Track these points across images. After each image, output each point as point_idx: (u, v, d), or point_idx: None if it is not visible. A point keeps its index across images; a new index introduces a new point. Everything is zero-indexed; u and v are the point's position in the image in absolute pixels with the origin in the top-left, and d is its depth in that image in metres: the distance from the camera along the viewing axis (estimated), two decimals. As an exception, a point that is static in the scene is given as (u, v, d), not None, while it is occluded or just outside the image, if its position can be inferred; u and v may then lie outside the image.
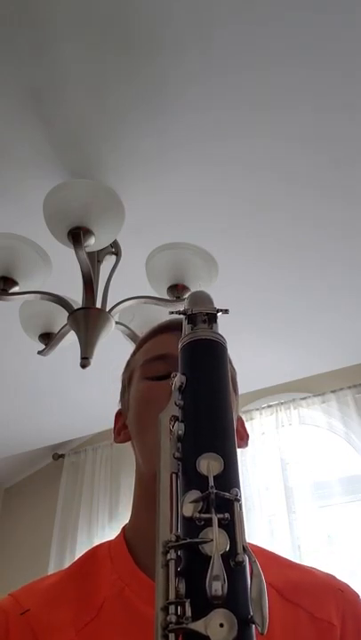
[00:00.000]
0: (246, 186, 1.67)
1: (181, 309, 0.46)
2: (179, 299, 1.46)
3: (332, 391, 2.57)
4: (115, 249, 1.64)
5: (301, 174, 1.63)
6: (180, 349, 0.44)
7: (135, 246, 1.65)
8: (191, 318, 0.44)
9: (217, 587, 0.29)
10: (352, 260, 1.98)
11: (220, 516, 0.32)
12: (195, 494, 0.34)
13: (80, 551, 2.63)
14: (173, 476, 0.36)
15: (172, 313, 0.49)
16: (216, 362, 0.42)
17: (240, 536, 0.32)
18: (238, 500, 0.34)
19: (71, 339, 1.48)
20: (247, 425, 0.76)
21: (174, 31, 1.27)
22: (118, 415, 0.71)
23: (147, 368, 0.65)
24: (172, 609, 0.30)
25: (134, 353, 0.72)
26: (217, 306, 0.45)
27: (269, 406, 2.66)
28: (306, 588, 0.57)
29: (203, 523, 0.32)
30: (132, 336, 1.53)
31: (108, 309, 1.44)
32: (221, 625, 0.28)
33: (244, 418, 0.75)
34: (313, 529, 2.28)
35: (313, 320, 2.28)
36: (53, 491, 3.07)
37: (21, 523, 3.22)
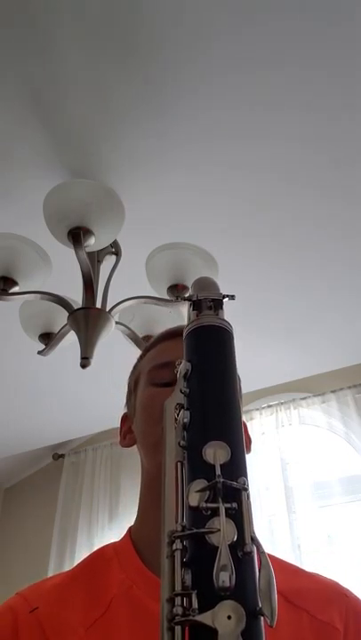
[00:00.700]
0: (246, 186, 1.67)
1: (188, 295, 0.44)
2: (179, 299, 1.46)
3: (332, 391, 2.57)
4: (115, 249, 1.64)
5: (301, 174, 1.63)
6: (185, 336, 0.42)
7: (135, 246, 1.65)
8: (196, 304, 0.43)
9: (224, 578, 0.28)
10: (352, 260, 1.98)
11: (228, 505, 0.31)
12: (201, 483, 0.33)
13: (80, 551, 2.64)
14: (178, 464, 0.35)
15: (178, 298, 0.48)
16: (222, 348, 0.41)
17: (248, 526, 0.31)
18: (246, 490, 0.33)
19: (71, 339, 1.48)
20: (247, 425, 0.76)
21: (174, 31, 1.27)
22: (124, 418, 0.72)
23: (153, 374, 0.66)
24: (178, 601, 0.29)
25: (141, 357, 0.72)
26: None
27: (269, 406, 2.66)
28: (310, 593, 0.57)
29: (209, 512, 0.31)
30: (132, 336, 1.53)
31: (108, 309, 1.44)
32: (229, 617, 0.28)
33: (244, 418, 0.75)
34: (313, 529, 2.28)
35: (313, 320, 2.28)
36: (53, 491, 3.07)
37: (21, 523, 3.22)
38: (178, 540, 0.31)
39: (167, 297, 1.48)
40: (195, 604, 0.29)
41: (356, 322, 2.31)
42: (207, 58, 1.33)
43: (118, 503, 2.78)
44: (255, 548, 0.31)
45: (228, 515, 0.31)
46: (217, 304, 0.43)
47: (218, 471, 0.32)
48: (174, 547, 0.31)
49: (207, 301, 0.43)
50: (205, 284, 0.45)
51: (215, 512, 0.31)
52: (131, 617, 0.52)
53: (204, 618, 0.28)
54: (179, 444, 0.36)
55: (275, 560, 0.63)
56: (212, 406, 0.37)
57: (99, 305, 1.44)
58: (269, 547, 0.66)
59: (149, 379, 0.66)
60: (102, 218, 1.39)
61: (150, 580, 0.55)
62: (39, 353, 1.57)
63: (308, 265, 1.98)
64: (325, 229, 1.83)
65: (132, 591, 0.54)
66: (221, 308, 0.43)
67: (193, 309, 0.43)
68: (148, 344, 0.73)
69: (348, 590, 0.61)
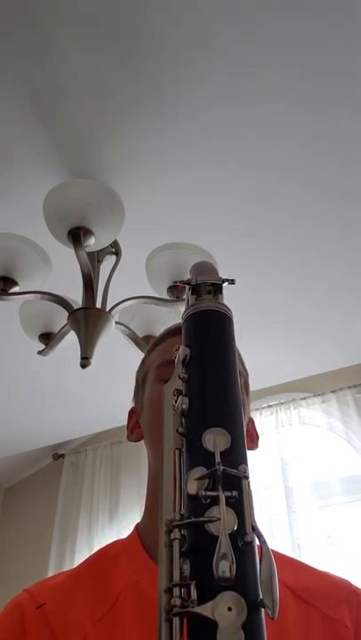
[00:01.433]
0: (246, 186, 1.67)
1: (186, 279, 0.43)
2: (179, 299, 1.46)
3: (332, 391, 2.57)
4: (115, 249, 1.64)
5: (301, 174, 1.63)
6: (184, 320, 0.41)
7: (135, 246, 1.65)
8: (195, 289, 0.42)
9: (225, 568, 0.27)
10: (352, 260, 1.97)
11: (228, 493, 0.30)
12: (200, 471, 0.32)
13: (80, 551, 2.64)
14: (177, 452, 0.35)
15: (177, 282, 0.47)
16: (221, 333, 0.39)
17: (249, 515, 0.30)
18: (247, 477, 0.32)
19: (71, 339, 1.48)
20: (254, 421, 0.76)
21: (174, 31, 1.27)
22: (132, 413, 0.72)
23: (162, 370, 0.66)
24: (176, 591, 0.28)
25: (149, 352, 0.72)
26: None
27: (269, 406, 2.66)
28: (320, 590, 0.57)
29: (209, 501, 0.30)
30: (132, 336, 1.53)
31: (108, 309, 1.44)
32: (230, 609, 0.27)
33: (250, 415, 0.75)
34: (313, 529, 2.28)
35: (313, 320, 2.28)
36: (53, 491, 3.07)
37: (21, 523, 3.22)
38: (176, 530, 0.30)
39: (167, 297, 1.48)
40: (194, 595, 0.28)
41: (356, 322, 2.31)
42: (207, 58, 1.32)
43: (118, 503, 2.78)
44: (256, 537, 0.30)
45: (228, 503, 0.30)
46: (216, 288, 0.41)
47: (218, 458, 0.31)
48: (172, 536, 0.30)
49: (206, 285, 0.41)
50: (204, 268, 0.44)
51: (215, 500, 0.30)
52: (138, 611, 0.52)
53: (204, 609, 0.27)
54: (177, 430, 0.35)
55: (284, 557, 0.63)
56: (212, 392, 0.36)
57: (99, 305, 1.44)
58: (269, 547, 0.65)
59: (158, 375, 0.66)
60: (102, 218, 1.39)
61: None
62: (39, 353, 1.57)
63: (308, 265, 1.98)
64: (325, 229, 1.83)
65: (140, 586, 0.54)
66: (221, 292, 0.41)
67: (192, 294, 0.42)
68: (156, 338, 0.72)
69: (358, 589, 0.61)
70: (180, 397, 0.36)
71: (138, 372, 0.72)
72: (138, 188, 1.64)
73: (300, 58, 1.33)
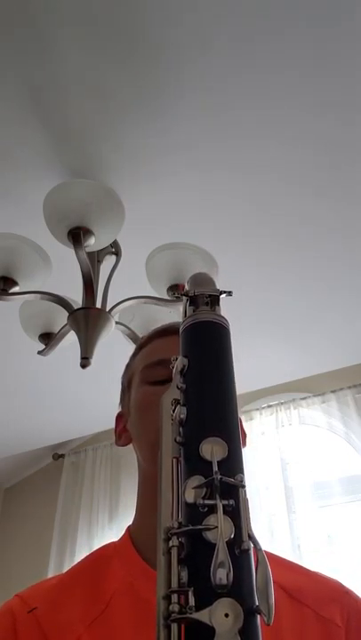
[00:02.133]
0: (246, 186, 1.67)
1: (184, 291, 0.44)
2: (179, 299, 1.46)
3: (332, 391, 2.57)
4: (115, 249, 1.64)
5: (301, 174, 1.63)
6: (182, 331, 0.42)
7: (135, 246, 1.65)
8: (193, 300, 0.42)
9: (222, 575, 0.28)
10: (352, 260, 1.98)
11: (225, 502, 0.31)
12: (197, 480, 0.32)
13: (80, 551, 2.64)
14: (174, 461, 0.35)
15: (175, 295, 0.47)
16: (219, 344, 0.40)
17: (245, 523, 0.31)
18: (243, 487, 0.32)
19: (71, 339, 1.48)
20: (247, 425, 0.76)
21: (175, 32, 1.27)
22: (119, 417, 0.72)
23: (147, 373, 0.65)
24: (174, 598, 0.29)
25: (134, 355, 0.72)
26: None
27: (269, 406, 2.66)
28: (312, 590, 0.58)
29: (206, 509, 0.31)
30: (132, 336, 1.53)
31: (108, 309, 1.44)
32: (227, 615, 0.27)
33: (243, 418, 0.75)
34: (313, 529, 2.28)
35: (313, 320, 2.28)
36: (53, 491, 3.07)
37: (21, 523, 3.22)
38: (174, 537, 0.31)
39: (167, 297, 1.48)
40: (191, 602, 0.28)
41: (356, 322, 2.31)
42: (207, 58, 1.33)
43: (118, 503, 2.78)
44: (252, 545, 0.31)
45: (225, 511, 0.30)
46: (214, 300, 0.42)
47: (215, 467, 0.32)
48: (171, 543, 0.31)
49: (204, 297, 0.42)
50: (202, 279, 0.45)
51: (212, 509, 0.31)
52: (132, 612, 0.51)
53: (202, 615, 0.27)
54: (175, 440, 0.36)
55: (277, 558, 0.63)
56: (209, 402, 0.37)
57: (99, 305, 1.44)
58: (269, 547, 0.65)
59: (143, 377, 0.66)
60: (102, 218, 1.39)
61: (151, 576, 0.54)
62: (39, 353, 1.57)
63: (308, 265, 1.98)
64: (325, 229, 1.83)
65: (133, 587, 0.54)
66: (218, 304, 0.42)
67: (189, 305, 0.43)
68: (140, 342, 0.72)
69: (349, 589, 0.61)
70: (178, 407, 0.37)
71: (123, 377, 0.72)
72: (138, 188, 1.64)
73: (301, 58, 1.33)
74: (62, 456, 3.21)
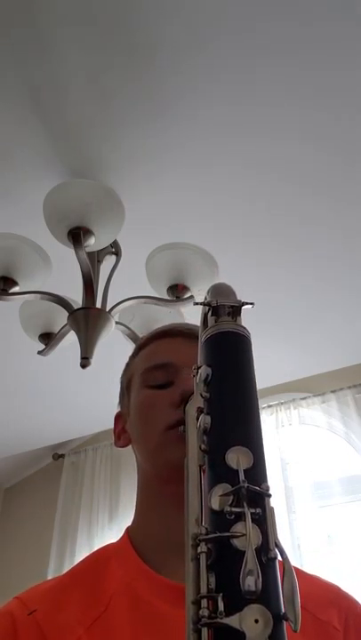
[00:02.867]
0: (246, 186, 1.67)
1: (206, 300, 0.44)
2: (179, 299, 1.46)
3: (332, 391, 2.56)
4: (115, 249, 1.64)
5: (302, 174, 1.63)
6: (205, 341, 0.42)
7: (135, 246, 1.65)
8: (215, 310, 0.43)
9: (251, 582, 0.28)
10: (352, 260, 1.98)
11: (253, 510, 0.31)
12: (223, 488, 0.33)
13: (80, 551, 2.64)
14: (198, 468, 0.36)
15: (197, 304, 0.48)
16: (242, 354, 0.41)
17: (272, 532, 0.32)
18: (270, 495, 0.33)
19: (71, 339, 1.48)
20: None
21: (174, 31, 1.27)
22: (118, 417, 0.71)
23: (147, 376, 0.65)
24: (203, 603, 0.29)
25: (134, 355, 0.71)
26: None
27: (269, 406, 2.66)
28: (310, 593, 0.57)
29: (233, 517, 0.31)
30: (132, 336, 1.53)
31: (108, 309, 1.44)
32: (256, 621, 0.28)
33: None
34: (313, 529, 2.28)
35: (313, 320, 2.28)
36: (53, 491, 3.07)
37: (21, 523, 3.22)
38: (203, 543, 0.31)
39: (167, 297, 1.48)
40: (220, 607, 0.29)
41: (356, 322, 2.31)
42: (207, 58, 1.33)
43: (118, 503, 2.78)
44: (278, 553, 0.31)
45: (253, 520, 0.31)
46: (235, 311, 0.43)
47: (242, 476, 0.33)
48: (199, 549, 0.31)
49: (225, 307, 0.43)
50: (223, 289, 0.46)
51: (239, 517, 0.31)
52: (132, 613, 0.51)
53: (232, 621, 0.28)
54: (200, 447, 0.36)
55: None
56: (234, 411, 0.38)
57: (99, 305, 1.44)
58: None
59: (143, 380, 0.65)
60: (102, 218, 1.39)
61: (151, 576, 0.54)
62: (39, 353, 1.57)
63: (309, 265, 1.98)
64: (326, 229, 1.83)
65: (133, 588, 0.54)
66: (240, 314, 0.43)
67: (211, 315, 0.43)
68: (140, 342, 0.72)
69: (347, 593, 0.61)
70: (203, 416, 0.37)
71: (122, 377, 0.72)
72: (138, 188, 1.64)
73: (300, 57, 1.33)
74: (62, 456, 3.20)
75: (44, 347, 1.57)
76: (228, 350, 0.41)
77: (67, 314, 1.42)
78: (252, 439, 0.36)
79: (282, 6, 1.23)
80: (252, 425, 0.37)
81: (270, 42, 1.30)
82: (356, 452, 2.44)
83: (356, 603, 0.60)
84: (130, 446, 0.68)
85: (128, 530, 0.63)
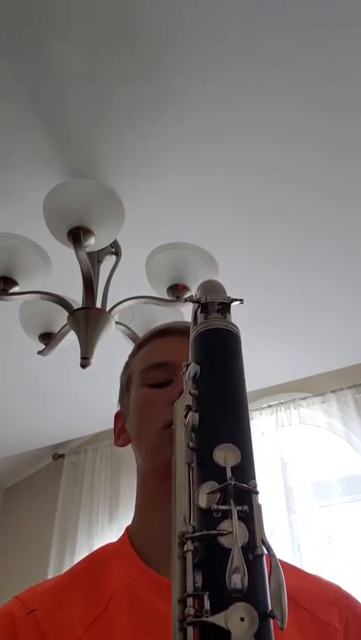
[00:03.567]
0: (246, 186, 1.67)
1: (195, 297, 0.44)
2: (179, 299, 1.46)
3: (332, 391, 2.57)
4: (115, 249, 1.64)
5: (302, 175, 1.63)
6: (194, 338, 0.42)
7: (135, 246, 1.65)
8: (204, 307, 0.43)
9: (237, 580, 0.28)
10: (352, 260, 1.97)
11: (239, 508, 0.31)
12: (211, 485, 0.33)
13: (80, 551, 2.64)
14: (187, 466, 0.36)
15: (186, 300, 0.48)
16: (231, 352, 0.41)
17: (259, 529, 0.31)
18: (257, 493, 0.33)
19: (71, 339, 1.48)
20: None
21: (175, 32, 1.27)
22: (118, 416, 0.71)
23: (146, 375, 0.65)
24: (189, 601, 0.29)
25: (133, 355, 0.71)
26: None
27: (269, 406, 2.66)
28: (310, 593, 0.57)
29: (220, 514, 0.31)
30: (132, 336, 1.53)
31: (108, 309, 1.44)
32: (242, 619, 0.28)
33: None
34: (313, 529, 2.28)
35: (313, 320, 2.28)
36: (53, 491, 3.07)
37: (21, 523, 3.22)
38: (189, 542, 0.31)
39: (167, 297, 1.48)
40: (207, 606, 0.29)
41: (356, 322, 2.31)
42: (207, 59, 1.33)
43: (118, 503, 2.78)
44: (266, 550, 0.31)
45: (239, 517, 0.31)
46: (225, 307, 0.43)
47: (229, 473, 0.33)
48: (185, 548, 0.31)
49: (215, 304, 0.43)
50: (213, 286, 0.45)
51: (226, 514, 0.31)
52: (131, 613, 0.51)
53: (217, 619, 0.28)
54: (188, 445, 0.36)
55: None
56: (222, 409, 0.38)
57: (99, 305, 1.44)
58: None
59: (142, 379, 0.65)
60: (102, 218, 1.39)
61: (151, 576, 0.54)
62: (39, 353, 1.57)
63: (309, 265, 1.98)
64: (326, 229, 1.83)
65: (132, 587, 0.54)
66: (229, 311, 0.43)
67: (201, 312, 0.43)
68: (139, 341, 0.72)
69: (348, 593, 0.61)
70: (191, 413, 0.37)
71: (122, 376, 0.72)
72: (138, 188, 1.64)
73: (300, 58, 1.33)
74: (62, 456, 3.21)
75: (44, 347, 1.57)
76: (216, 347, 0.41)
77: (67, 314, 1.42)
78: (240, 436, 0.36)
79: (283, 6, 1.23)
80: (241, 422, 0.37)
81: (271, 42, 1.30)
82: (356, 452, 2.44)
83: (357, 603, 0.60)
84: (130, 446, 0.68)
85: (128, 529, 0.63)
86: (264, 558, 0.31)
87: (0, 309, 1.73)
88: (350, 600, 0.59)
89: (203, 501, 0.32)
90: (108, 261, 1.64)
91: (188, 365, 0.41)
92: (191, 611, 0.29)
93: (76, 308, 1.41)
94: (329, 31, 1.28)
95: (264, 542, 0.31)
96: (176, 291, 1.46)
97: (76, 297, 1.48)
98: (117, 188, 1.55)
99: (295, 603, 0.55)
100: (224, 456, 0.34)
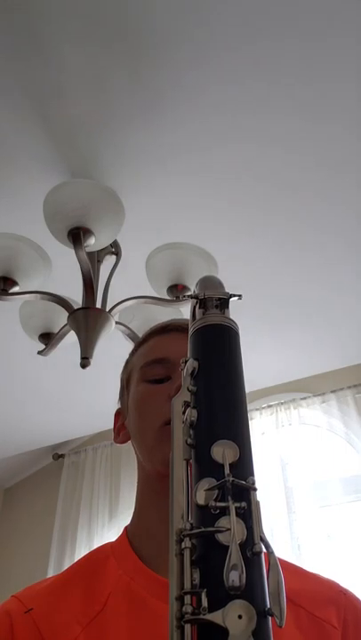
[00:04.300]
0: (246, 187, 1.67)
1: (194, 293, 0.44)
2: (179, 299, 1.46)
3: (332, 391, 2.57)
4: (115, 249, 1.64)
5: (301, 177, 1.63)
6: (192, 333, 0.42)
7: (135, 246, 1.65)
8: (203, 303, 0.43)
9: (235, 577, 0.28)
10: (352, 260, 1.98)
11: (237, 504, 0.31)
12: (209, 482, 0.32)
13: (80, 551, 2.64)
14: (185, 463, 0.35)
15: (185, 297, 0.47)
16: (229, 347, 0.41)
17: (257, 526, 0.31)
18: (255, 489, 0.33)
19: (71, 339, 1.48)
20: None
21: (175, 33, 1.27)
22: (118, 414, 0.72)
23: (146, 371, 0.65)
24: (187, 599, 0.29)
25: (133, 352, 0.72)
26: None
27: (269, 406, 2.66)
28: (307, 591, 0.57)
29: (218, 511, 0.31)
30: (132, 336, 1.53)
31: (108, 309, 1.43)
32: (240, 616, 0.27)
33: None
34: (313, 529, 2.28)
35: (313, 320, 2.28)
36: (53, 491, 3.07)
37: (21, 523, 3.22)
38: (187, 539, 0.31)
39: (167, 297, 1.48)
40: (204, 603, 0.28)
41: (356, 322, 2.31)
42: (208, 61, 1.33)
43: (118, 503, 2.78)
44: (264, 547, 0.31)
45: (237, 514, 0.31)
46: (223, 303, 0.42)
47: (227, 470, 0.32)
48: (183, 545, 0.31)
49: (213, 300, 0.42)
50: (211, 282, 0.45)
51: (224, 511, 0.31)
52: (129, 612, 0.51)
53: (215, 617, 0.28)
54: (186, 442, 0.36)
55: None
56: (220, 405, 0.37)
57: (99, 305, 1.44)
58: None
59: (142, 375, 0.65)
60: (102, 218, 1.39)
61: (149, 576, 0.54)
62: (39, 353, 1.57)
63: (309, 265, 1.99)
64: (327, 231, 1.83)
65: (131, 587, 0.54)
66: (227, 307, 0.42)
67: (199, 307, 0.43)
68: (139, 339, 0.72)
69: (346, 590, 0.60)
70: (189, 409, 0.37)
71: (122, 373, 0.72)
72: (138, 189, 1.64)
73: (298, 63, 1.33)
74: (62, 456, 3.21)
75: (44, 347, 1.57)
76: (214, 343, 0.41)
77: (67, 314, 1.42)
78: (238, 433, 0.35)
79: (283, 5, 1.23)
80: (239, 419, 0.37)
81: (271, 46, 1.30)
82: (356, 452, 2.44)
83: (356, 600, 0.59)
84: (130, 446, 0.68)
85: (126, 529, 0.63)
86: (262, 555, 0.31)
87: (0, 309, 1.73)
88: (349, 597, 0.59)
89: (201, 498, 0.32)
90: (108, 261, 1.64)
91: (186, 361, 0.40)
92: (189, 608, 0.29)
93: (76, 308, 1.41)
94: (333, 24, 1.28)
95: (262, 539, 0.31)
96: (176, 291, 1.46)
97: (76, 297, 1.48)
98: (117, 188, 1.55)
99: (293, 601, 0.54)
100: (222, 452, 0.34)
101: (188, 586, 0.29)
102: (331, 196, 1.70)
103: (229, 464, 0.33)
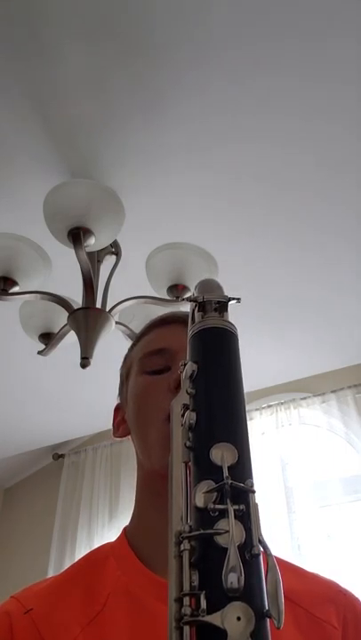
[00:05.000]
0: (246, 187, 1.67)
1: (193, 296, 0.44)
2: (178, 299, 1.46)
3: (333, 391, 2.57)
4: (115, 249, 1.64)
5: (302, 176, 1.63)
6: (191, 337, 0.42)
7: (135, 246, 1.65)
8: (202, 306, 0.43)
9: (233, 579, 0.28)
10: (352, 261, 1.98)
11: (236, 507, 0.31)
12: (208, 484, 0.33)
13: (80, 551, 2.64)
14: (184, 465, 0.36)
15: (184, 299, 0.47)
16: (228, 350, 0.41)
17: (256, 528, 0.31)
18: (254, 492, 0.33)
19: (71, 339, 1.48)
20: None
21: (175, 33, 1.27)
22: (117, 409, 0.71)
23: (144, 362, 0.65)
24: (186, 600, 0.29)
25: (132, 347, 0.71)
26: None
27: (269, 406, 2.66)
28: (308, 591, 0.57)
29: (217, 514, 0.31)
30: (132, 336, 1.53)
31: (108, 309, 1.44)
32: (238, 618, 0.28)
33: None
34: (313, 529, 2.28)
35: (313, 320, 2.28)
36: (53, 491, 3.07)
37: (21, 523, 3.22)
38: (186, 541, 0.31)
39: (167, 297, 1.48)
40: (203, 605, 0.29)
41: (356, 322, 2.31)
42: (208, 61, 1.33)
43: (118, 503, 2.78)
44: (262, 549, 0.31)
45: (236, 516, 0.31)
46: (222, 306, 0.43)
47: (226, 473, 0.32)
48: (182, 547, 0.31)
49: (212, 303, 0.43)
50: (210, 285, 0.45)
51: (223, 513, 0.31)
52: (128, 614, 0.51)
53: (214, 618, 0.28)
54: (185, 444, 0.36)
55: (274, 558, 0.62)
56: (219, 408, 0.37)
57: (99, 305, 1.44)
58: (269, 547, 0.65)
59: (141, 366, 0.65)
60: (102, 218, 1.39)
61: (148, 577, 0.54)
62: (39, 353, 1.57)
63: (309, 266, 1.99)
64: (327, 231, 1.83)
65: (130, 588, 0.54)
66: (226, 310, 0.43)
67: (198, 310, 0.43)
68: (138, 334, 0.72)
69: (346, 589, 0.60)
70: (188, 412, 0.37)
71: (121, 368, 0.72)
72: (138, 189, 1.64)
73: (297, 63, 1.33)
74: (62, 456, 3.21)
75: (44, 347, 1.57)
76: (213, 346, 0.41)
77: (67, 314, 1.42)
78: (237, 435, 0.36)
79: (283, 5, 1.23)
80: (238, 421, 0.37)
81: (271, 45, 1.30)
82: (356, 452, 2.44)
83: (356, 599, 0.59)
84: (130, 447, 0.68)
85: (125, 529, 0.63)
86: (261, 557, 0.31)
87: (0, 309, 1.73)
88: (348, 597, 0.59)
89: (199, 500, 0.32)
90: (108, 261, 1.64)
91: (185, 364, 0.40)
92: (188, 610, 0.29)
93: (76, 308, 1.41)
94: (334, 22, 1.28)
95: (261, 541, 0.31)
96: (176, 291, 1.46)
97: (76, 297, 1.48)
98: (117, 188, 1.55)
99: (293, 601, 0.54)
100: (221, 455, 0.34)
101: (187, 587, 0.30)
102: (331, 195, 1.70)
103: (228, 466, 0.33)
